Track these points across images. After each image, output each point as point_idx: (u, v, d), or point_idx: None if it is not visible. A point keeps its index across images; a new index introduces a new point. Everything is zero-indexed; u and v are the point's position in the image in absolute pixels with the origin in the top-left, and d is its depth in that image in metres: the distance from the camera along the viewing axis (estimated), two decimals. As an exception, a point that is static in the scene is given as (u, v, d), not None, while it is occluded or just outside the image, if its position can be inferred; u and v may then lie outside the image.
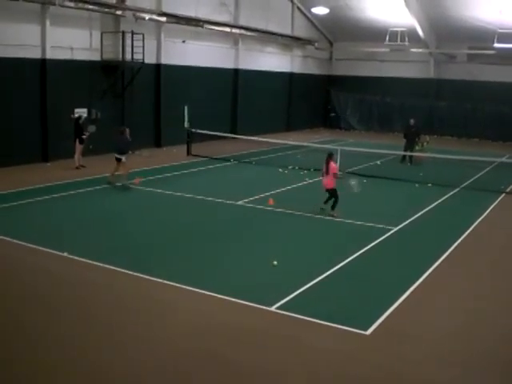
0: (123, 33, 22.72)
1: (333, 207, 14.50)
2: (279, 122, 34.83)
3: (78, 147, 19.74)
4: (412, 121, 24.51)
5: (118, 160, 17.38)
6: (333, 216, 14.40)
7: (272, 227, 13.60)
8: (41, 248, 11.18)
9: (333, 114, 38.91)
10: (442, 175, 20.86)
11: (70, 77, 21.44)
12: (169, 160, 22.26)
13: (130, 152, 18.64)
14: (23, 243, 11.44)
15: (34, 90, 20.53)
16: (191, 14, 26.16)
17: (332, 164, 14.37)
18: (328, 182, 14.43)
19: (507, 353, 7.74)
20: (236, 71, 30.78)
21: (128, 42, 22.77)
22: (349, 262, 11.08)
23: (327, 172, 14.36)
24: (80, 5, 20.91)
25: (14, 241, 11.59)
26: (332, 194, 14.49)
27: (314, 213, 14.60)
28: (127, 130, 17.90)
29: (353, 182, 15.11)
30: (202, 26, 26.76)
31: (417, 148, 24.41)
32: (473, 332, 8.32)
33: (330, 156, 14.54)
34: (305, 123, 36.92)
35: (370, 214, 14.78)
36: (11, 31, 19.38)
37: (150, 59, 24.49)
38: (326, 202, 14.70)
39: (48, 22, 20.30)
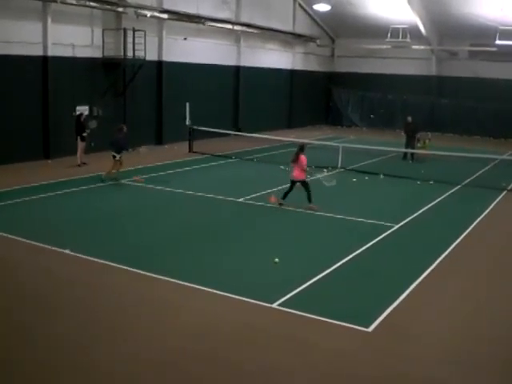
0: (125, 30, 22.70)
1: (309, 200, 14.72)
2: (281, 119, 34.80)
3: (80, 145, 19.75)
4: (409, 118, 24.63)
5: (114, 157, 17.50)
6: (313, 209, 14.58)
7: (273, 224, 13.62)
8: (43, 245, 11.20)
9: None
10: (444, 172, 20.83)
11: (71, 74, 21.47)
12: (170, 157, 22.26)
13: (131, 150, 18.62)
14: (25, 240, 11.45)
15: (35, 87, 20.54)
16: (193, 11, 26.14)
17: (302, 157, 14.71)
18: (297, 174, 14.79)
19: (507, 352, 7.74)
20: (237, 68, 30.76)
21: (129, 39, 22.74)
22: (350, 259, 11.09)
23: (296, 164, 14.77)
24: (81, 2, 20.90)
25: (16, 238, 11.60)
26: (304, 186, 14.82)
27: (314, 210, 14.62)
28: (125, 128, 18.05)
29: (326, 179, 15.36)
30: (203, 23, 26.75)
31: (419, 145, 24.46)
32: (473, 330, 8.32)
33: (302, 149, 14.95)
34: (306, 120, 36.88)
35: (371, 211, 14.78)
36: (13, 28, 19.38)
37: (151, 56, 24.51)
38: (284, 197, 14.94)
39: (49, 19, 20.33)
